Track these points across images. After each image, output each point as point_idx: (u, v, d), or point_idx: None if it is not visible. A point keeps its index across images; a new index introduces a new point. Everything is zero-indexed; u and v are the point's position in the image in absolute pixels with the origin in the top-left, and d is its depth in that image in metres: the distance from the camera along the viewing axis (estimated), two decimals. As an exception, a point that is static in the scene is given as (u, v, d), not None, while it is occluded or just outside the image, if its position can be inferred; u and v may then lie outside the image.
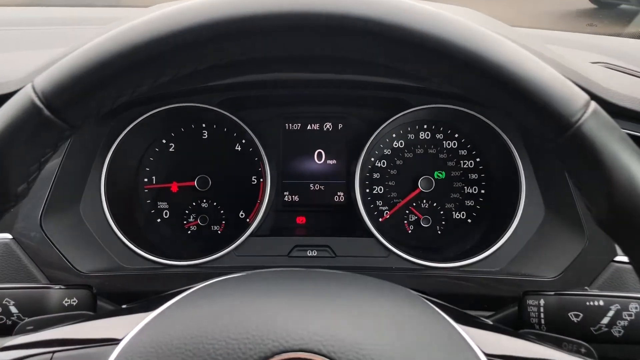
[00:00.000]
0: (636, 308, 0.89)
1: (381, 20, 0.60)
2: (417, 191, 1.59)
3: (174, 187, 1.60)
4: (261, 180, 1.59)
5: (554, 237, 1.38)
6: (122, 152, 1.50)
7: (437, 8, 0.62)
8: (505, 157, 1.48)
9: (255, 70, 1.39)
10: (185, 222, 1.61)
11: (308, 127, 1.66)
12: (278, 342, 0.58)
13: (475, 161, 1.60)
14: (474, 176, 1.60)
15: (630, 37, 2.21)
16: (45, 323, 0.81)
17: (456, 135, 1.60)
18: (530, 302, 0.97)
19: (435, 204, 1.61)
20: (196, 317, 0.64)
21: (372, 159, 1.62)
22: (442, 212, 1.61)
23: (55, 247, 1.29)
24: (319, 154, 1.66)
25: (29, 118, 0.62)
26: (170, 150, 1.61)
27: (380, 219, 1.61)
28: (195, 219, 1.60)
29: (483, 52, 0.59)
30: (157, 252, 1.45)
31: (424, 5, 0.61)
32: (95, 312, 1.01)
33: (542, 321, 0.95)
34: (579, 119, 0.59)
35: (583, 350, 0.81)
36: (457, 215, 1.61)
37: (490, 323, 0.81)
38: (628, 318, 0.89)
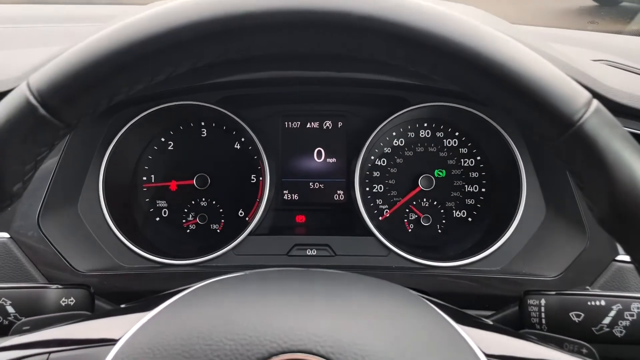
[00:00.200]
0: (638, 308, 0.88)
1: (381, 17, 0.59)
2: (417, 189, 1.59)
3: (173, 185, 1.60)
4: (260, 178, 1.59)
5: (555, 237, 1.37)
6: (120, 150, 1.49)
7: (438, 5, 0.61)
8: (506, 156, 1.48)
9: (254, 68, 1.38)
10: (184, 220, 1.60)
11: (307, 125, 1.65)
12: (276, 343, 0.57)
13: (475, 159, 1.59)
14: (474, 174, 1.59)
15: (632, 35, 2.20)
16: (42, 323, 0.81)
17: (457, 134, 1.60)
18: (531, 301, 0.96)
19: (435, 203, 1.60)
20: (193, 317, 0.63)
21: (372, 157, 1.61)
22: (442, 211, 1.60)
23: (53, 246, 1.29)
24: (319, 152, 1.65)
25: (24, 116, 0.61)
26: (169, 148, 1.60)
27: (380, 218, 1.61)
28: (194, 217, 1.60)
29: (484, 50, 0.59)
30: (155, 251, 1.45)
31: (424, 2, 0.61)
32: (92, 312, 1.00)
33: (543, 321, 0.94)
34: (581, 117, 0.58)
35: (584, 350, 0.80)
36: (458, 214, 1.60)
37: (491, 323, 0.80)
38: (630, 318, 0.88)
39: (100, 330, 0.70)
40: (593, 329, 0.89)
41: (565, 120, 0.58)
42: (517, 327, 0.98)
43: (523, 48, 0.61)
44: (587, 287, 1.21)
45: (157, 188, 1.60)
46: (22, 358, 0.65)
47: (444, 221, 1.60)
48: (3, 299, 0.95)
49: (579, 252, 1.28)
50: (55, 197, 1.32)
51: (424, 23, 0.59)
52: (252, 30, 0.60)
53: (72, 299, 0.99)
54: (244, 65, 1.38)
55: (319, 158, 1.65)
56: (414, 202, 1.60)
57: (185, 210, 1.60)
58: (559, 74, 0.60)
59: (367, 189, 1.61)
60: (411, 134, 1.61)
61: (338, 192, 1.65)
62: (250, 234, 1.49)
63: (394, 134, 1.61)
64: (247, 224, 1.51)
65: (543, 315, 0.94)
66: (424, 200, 1.60)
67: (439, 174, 1.60)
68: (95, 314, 0.98)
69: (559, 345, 0.80)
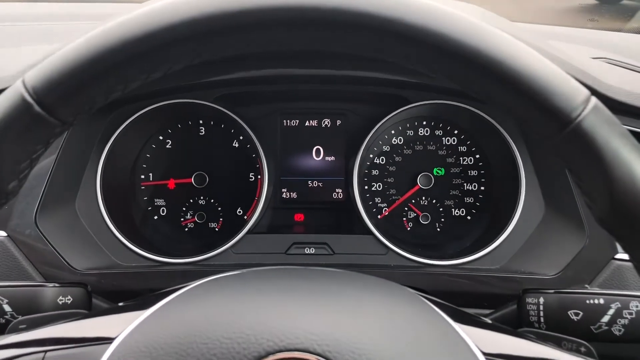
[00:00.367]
0: (637, 306, 0.88)
1: (379, 14, 0.59)
2: (416, 188, 1.58)
3: (171, 184, 1.59)
4: (259, 177, 1.58)
5: (554, 235, 1.37)
6: (118, 148, 1.49)
7: (436, 3, 0.61)
8: (505, 154, 1.47)
9: (252, 66, 1.38)
10: (182, 219, 1.60)
11: (306, 124, 1.65)
12: (273, 342, 0.57)
13: (474, 158, 1.59)
14: (473, 173, 1.59)
15: (632, 32, 2.20)
16: (38, 321, 0.80)
17: (455, 132, 1.59)
18: (529, 300, 0.96)
19: (434, 201, 1.60)
20: (190, 316, 0.63)
21: (371, 156, 1.61)
22: (441, 209, 1.60)
23: (51, 244, 1.28)
24: (317, 151, 1.65)
25: (20, 114, 0.61)
26: (167, 146, 1.60)
27: (379, 216, 1.60)
28: (193, 216, 1.60)
29: (482, 47, 0.58)
30: (153, 249, 1.45)
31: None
32: (90, 311, 1.00)
33: (542, 319, 0.94)
34: (579, 114, 0.58)
35: (583, 349, 0.80)
36: (457, 212, 1.60)
37: (489, 322, 0.80)
38: (629, 316, 0.88)
39: (96, 328, 0.70)
40: (592, 327, 0.89)
41: (564, 117, 0.58)
42: (515, 325, 0.98)
43: (521, 45, 0.60)
44: (586, 286, 1.21)
45: (155, 186, 1.60)
46: (18, 357, 0.65)
47: (442, 219, 1.60)
48: (0, 297, 0.95)
49: (577, 250, 1.28)
50: (52, 196, 1.32)
51: (422, 20, 0.59)
52: (249, 28, 0.60)
53: (69, 297, 0.99)
54: (242, 63, 1.38)
55: (318, 156, 1.65)
56: (413, 201, 1.60)
57: (184, 208, 1.60)
58: (557, 71, 0.60)
59: (366, 187, 1.61)
60: (410, 132, 1.61)
61: (337, 190, 1.65)
62: (248, 232, 1.48)
63: (393, 132, 1.61)
64: (246, 222, 1.50)
65: (542, 313, 0.94)
66: (423, 198, 1.60)
67: (438, 172, 1.60)
68: (92, 312, 0.98)
69: (558, 343, 0.80)
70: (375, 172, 1.61)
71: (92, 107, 0.64)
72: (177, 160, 1.60)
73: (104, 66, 0.60)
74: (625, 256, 1.14)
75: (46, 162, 1.31)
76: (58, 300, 0.98)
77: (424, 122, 1.60)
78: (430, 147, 1.60)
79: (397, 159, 1.61)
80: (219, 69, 1.39)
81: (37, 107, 0.60)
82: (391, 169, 1.61)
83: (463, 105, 1.49)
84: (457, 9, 0.61)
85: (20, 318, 0.87)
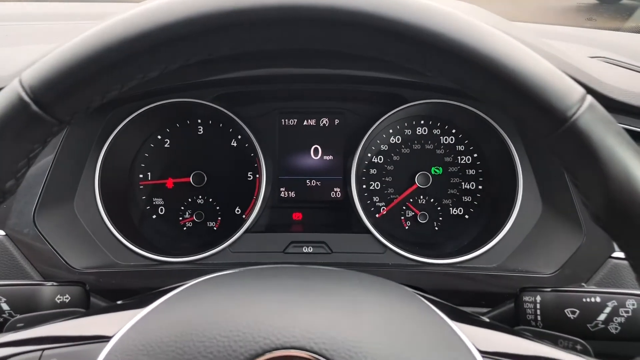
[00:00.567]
0: (633, 304, 0.88)
1: (375, 13, 0.59)
2: (414, 187, 1.59)
3: (170, 183, 1.60)
4: (257, 176, 1.58)
5: (551, 233, 1.37)
6: (116, 148, 1.49)
7: (432, 1, 0.61)
8: (503, 153, 1.48)
9: (250, 65, 1.38)
10: (180, 218, 1.60)
11: (304, 123, 1.65)
12: (269, 340, 0.57)
13: (472, 157, 1.59)
14: (471, 172, 1.59)
15: (630, 32, 2.20)
16: (36, 320, 0.81)
17: (453, 131, 1.59)
18: (526, 298, 0.96)
19: (432, 200, 1.60)
20: (187, 314, 0.63)
21: (369, 155, 1.61)
22: (439, 208, 1.60)
23: (49, 243, 1.28)
24: (315, 150, 1.65)
25: (17, 113, 0.61)
26: (166, 146, 1.60)
27: (377, 215, 1.61)
28: (191, 215, 1.60)
29: (476, 45, 0.59)
30: (152, 248, 1.45)
31: None
32: (87, 309, 1.00)
33: (539, 318, 0.94)
34: (575, 113, 0.58)
35: (579, 347, 0.80)
36: (455, 211, 1.60)
37: (485, 320, 0.80)
38: (625, 315, 0.88)
39: (94, 327, 0.70)
40: (588, 325, 0.89)
41: (559, 116, 0.58)
42: (513, 323, 0.98)
43: (517, 44, 0.60)
44: (583, 284, 1.21)
45: (153, 185, 1.60)
46: (16, 355, 0.65)
47: (440, 218, 1.60)
48: (-3, 296, 0.95)
49: (575, 248, 1.28)
50: (51, 195, 1.32)
51: (417, 18, 0.59)
52: (244, 26, 0.60)
53: (67, 296, 0.99)
54: (240, 63, 1.38)
55: (316, 155, 1.65)
56: (411, 200, 1.60)
57: (182, 207, 1.60)
58: (552, 70, 0.60)
59: (364, 186, 1.61)
60: (408, 131, 1.61)
61: (335, 189, 1.65)
62: (246, 231, 1.48)
63: (391, 131, 1.61)
64: (244, 221, 1.50)
65: (538, 312, 0.94)
66: (421, 197, 1.60)
67: (435, 171, 1.60)
68: (89, 311, 0.98)
69: (554, 342, 0.80)
70: (373, 171, 1.62)
71: (89, 106, 0.64)
72: (175, 159, 1.60)
73: (101, 65, 0.60)
74: (622, 254, 1.15)
75: (44, 161, 1.31)
76: (56, 299, 0.98)
77: (422, 121, 1.60)
78: (428, 146, 1.61)
79: (395, 158, 1.61)
80: (218, 68, 1.39)
81: (34, 106, 0.60)
82: (389, 168, 1.61)
83: (461, 105, 1.49)
84: (452, 7, 0.61)
85: (18, 317, 0.87)
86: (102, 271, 1.35)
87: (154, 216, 1.60)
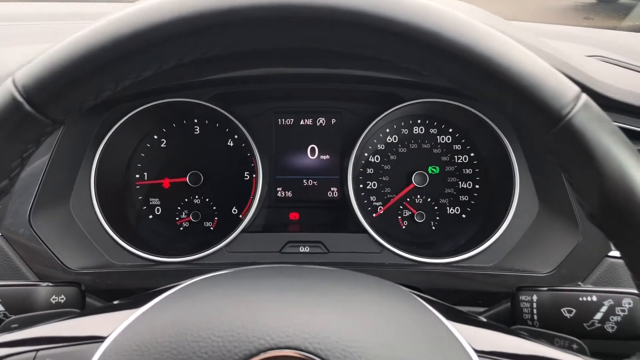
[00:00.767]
0: (629, 303, 0.88)
1: (370, 12, 0.59)
2: (411, 186, 1.59)
3: (166, 183, 1.59)
4: (254, 175, 1.58)
5: (548, 232, 1.37)
6: (112, 147, 1.48)
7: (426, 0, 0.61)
8: (499, 152, 1.47)
9: (246, 65, 1.38)
10: (177, 218, 1.60)
11: (301, 122, 1.65)
12: (264, 340, 0.57)
13: (469, 156, 1.59)
14: (468, 171, 1.59)
15: (627, 30, 2.20)
16: (30, 321, 0.80)
17: (450, 130, 1.59)
18: (523, 297, 0.96)
19: (429, 199, 1.60)
20: (182, 314, 0.63)
21: (366, 154, 1.61)
22: (436, 208, 1.60)
23: (44, 244, 1.28)
24: (312, 149, 1.65)
25: (10, 113, 0.60)
26: (162, 146, 1.59)
27: (374, 215, 1.60)
28: (188, 215, 1.60)
29: (471, 43, 0.58)
30: (148, 248, 1.45)
31: None
32: (83, 310, 1.00)
33: (535, 317, 0.94)
34: (570, 111, 0.58)
35: (575, 346, 0.80)
36: (452, 211, 1.60)
37: (481, 319, 0.80)
38: (621, 314, 0.88)
39: (88, 327, 0.70)
40: (585, 324, 0.89)
41: (554, 114, 0.58)
42: (509, 323, 0.98)
43: (512, 42, 0.60)
44: (579, 283, 1.21)
45: (150, 186, 1.60)
46: (10, 356, 0.65)
47: (437, 218, 1.60)
48: (-8, 297, 0.95)
49: (571, 248, 1.28)
50: (46, 195, 1.32)
51: (412, 17, 0.59)
52: (237, 25, 0.60)
53: (62, 296, 0.99)
54: (237, 62, 1.38)
55: (313, 155, 1.65)
56: (408, 199, 1.60)
57: (179, 207, 1.60)
58: (547, 68, 0.60)
59: (361, 185, 1.61)
60: (405, 131, 1.61)
61: (332, 189, 1.65)
62: (243, 231, 1.48)
63: (388, 130, 1.60)
64: (240, 221, 1.50)
65: (535, 311, 0.94)
66: (418, 197, 1.60)
67: (432, 171, 1.60)
68: (84, 311, 0.98)
69: (550, 341, 0.80)
70: (370, 171, 1.61)
71: (83, 105, 0.64)
72: (171, 159, 1.60)
73: (95, 65, 0.60)
74: (618, 253, 1.15)
75: (40, 161, 1.31)
76: (51, 299, 0.98)
77: (419, 121, 1.60)
78: (425, 146, 1.60)
79: (392, 157, 1.61)
80: (214, 67, 1.38)
81: (27, 106, 0.60)
82: (386, 167, 1.61)
83: (458, 104, 1.49)
84: (448, 6, 0.61)
85: (12, 317, 0.87)
86: (98, 271, 1.34)
87: (151, 216, 1.60)
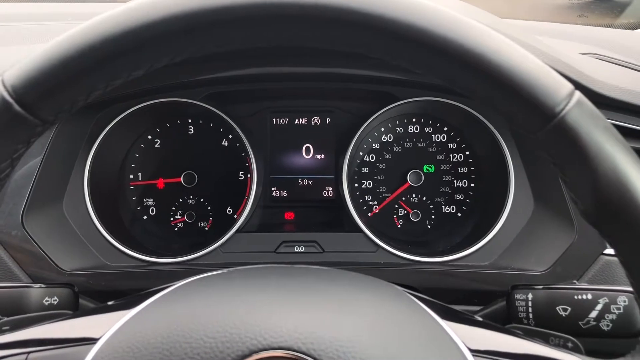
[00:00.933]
0: (624, 301, 0.88)
1: (359, 10, 0.58)
2: (406, 185, 1.58)
3: (160, 183, 1.59)
4: (248, 175, 1.58)
5: (543, 231, 1.37)
6: (106, 148, 1.48)
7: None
8: (495, 151, 1.47)
9: (240, 64, 1.38)
10: (172, 219, 1.59)
11: (295, 122, 1.64)
12: (256, 340, 0.56)
13: (464, 154, 1.59)
14: (463, 170, 1.59)
15: (621, 28, 2.20)
16: (22, 323, 0.80)
17: (445, 129, 1.59)
18: (518, 296, 0.96)
19: (424, 198, 1.60)
20: (174, 315, 0.63)
21: (361, 153, 1.61)
22: (431, 206, 1.60)
23: (38, 245, 1.27)
24: (307, 149, 1.64)
25: None
26: (156, 146, 1.59)
27: (369, 214, 1.60)
28: (182, 215, 1.59)
29: (462, 41, 0.58)
30: (142, 249, 1.44)
31: None
32: (76, 311, 0.99)
33: (531, 315, 0.94)
34: (563, 109, 0.57)
35: (570, 344, 0.80)
36: (447, 209, 1.60)
37: (476, 318, 0.79)
38: (616, 312, 0.88)
39: (80, 329, 0.69)
40: (580, 322, 0.89)
41: (547, 112, 0.58)
42: (505, 321, 0.98)
43: (505, 40, 0.60)
44: (575, 281, 1.21)
45: (144, 186, 1.59)
46: (1, 358, 0.64)
47: (433, 216, 1.60)
48: (-16, 299, 0.94)
49: (567, 246, 1.28)
50: (39, 196, 1.31)
51: (404, 15, 0.59)
52: (228, 24, 0.59)
53: (55, 298, 0.98)
54: (231, 62, 1.37)
55: (308, 154, 1.64)
56: (403, 198, 1.60)
57: (173, 208, 1.59)
58: (541, 66, 0.59)
59: (356, 185, 1.60)
60: (400, 130, 1.60)
61: (327, 188, 1.65)
62: (237, 231, 1.47)
63: (383, 129, 1.60)
64: (235, 221, 1.49)
65: (530, 309, 0.94)
66: (413, 195, 1.60)
67: (427, 170, 1.59)
68: (76, 313, 0.97)
69: (545, 339, 0.80)
70: (365, 170, 1.61)
71: (73, 106, 0.64)
72: (166, 159, 1.59)
73: (84, 64, 0.60)
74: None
75: (33, 162, 1.30)
76: (44, 301, 0.97)
77: (414, 120, 1.60)
78: (420, 144, 1.60)
79: (387, 156, 1.61)
80: (208, 67, 1.38)
81: (16, 107, 0.60)
82: (381, 166, 1.61)
83: (452, 102, 1.49)
84: (440, 3, 0.61)
85: (4, 319, 0.86)
86: (91, 273, 1.33)
87: (145, 217, 1.59)
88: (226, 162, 1.60)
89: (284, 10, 0.58)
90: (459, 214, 1.59)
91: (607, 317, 0.88)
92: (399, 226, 1.60)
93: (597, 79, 1.19)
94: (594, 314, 0.89)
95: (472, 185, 1.59)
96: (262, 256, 1.47)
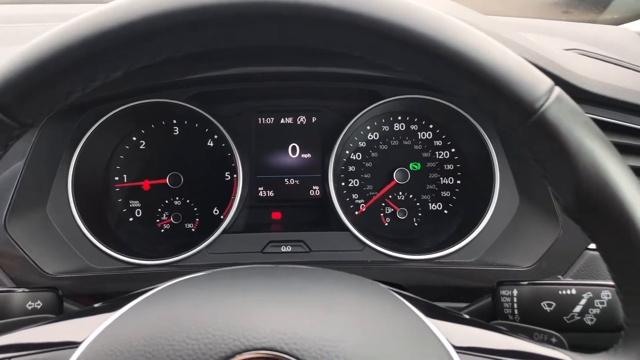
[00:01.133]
0: (608, 296, 0.88)
1: (339, 8, 0.58)
2: (392, 183, 1.58)
3: (146, 185, 1.58)
4: (234, 176, 1.57)
5: (528, 227, 1.38)
6: (90, 150, 1.46)
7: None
8: (480, 148, 1.48)
9: (224, 64, 1.37)
10: (158, 220, 1.58)
11: (281, 121, 1.64)
12: (239, 341, 0.56)
13: (450, 152, 1.59)
14: (449, 167, 1.59)
15: (605, 24, 2.21)
16: (3, 328, 0.79)
17: (431, 126, 1.59)
18: (503, 292, 0.96)
19: (411, 196, 1.60)
20: (156, 317, 0.62)
21: (347, 152, 1.60)
22: (418, 204, 1.60)
23: (21, 248, 1.26)
24: (293, 148, 1.64)
25: None
26: (141, 147, 1.58)
27: (356, 212, 1.60)
28: (168, 217, 1.58)
29: (442, 38, 0.58)
30: (128, 251, 1.43)
31: None
32: (59, 315, 0.98)
33: (516, 311, 0.94)
34: (543, 104, 0.58)
35: (554, 339, 0.80)
36: (433, 207, 1.60)
37: (461, 315, 0.79)
38: (600, 306, 0.88)
39: (62, 333, 0.69)
40: (564, 317, 0.90)
41: (527, 107, 0.58)
42: (490, 318, 0.98)
43: (484, 36, 0.60)
44: (559, 277, 1.21)
45: (129, 188, 1.58)
46: None
47: (419, 214, 1.60)
48: (-34, 304, 0.93)
49: (552, 241, 1.28)
50: (22, 199, 1.30)
51: (386, 13, 0.58)
52: (208, 24, 0.59)
53: (38, 302, 0.97)
54: (214, 62, 1.37)
55: (294, 154, 1.64)
56: (390, 196, 1.60)
57: (159, 209, 1.58)
58: (520, 62, 0.59)
59: (343, 183, 1.60)
60: (385, 128, 1.60)
61: (313, 187, 1.65)
62: (224, 232, 1.47)
63: (368, 127, 1.60)
64: (221, 221, 1.49)
65: (515, 305, 0.94)
66: (400, 193, 1.60)
67: (414, 167, 1.60)
68: (59, 316, 0.96)
69: (530, 335, 0.80)
70: (351, 169, 1.61)
71: (51, 108, 0.63)
72: (151, 160, 1.58)
73: (62, 66, 0.59)
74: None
75: (16, 166, 1.29)
76: (27, 305, 0.96)
77: (399, 117, 1.60)
78: (405, 142, 1.60)
79: (373, 154, 1.61)
80: (191, 67, 1.37)
81: None
82: (367, 164, 1.61)
83: (438, 100, 1.49)
84: (422, 1, 0.61)
85: None
86: (76, 276, 1.32)
87: (131, 219, 1.58)
88: (212, 163, 1.59)
89: (264, 9, 0.58)
90: (445, 211, 1.59)
91: (591, 311, 0.88)
92: (386, 224, 1.60)
93: (579, 74, 1.20)
94: (578, 308, 0.89)
95: (458, 182, 1.59)
96: (248, 256, 1.47)
